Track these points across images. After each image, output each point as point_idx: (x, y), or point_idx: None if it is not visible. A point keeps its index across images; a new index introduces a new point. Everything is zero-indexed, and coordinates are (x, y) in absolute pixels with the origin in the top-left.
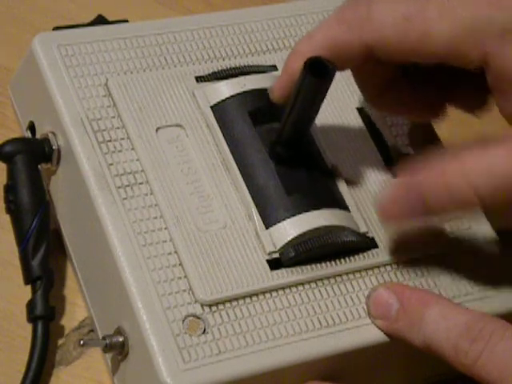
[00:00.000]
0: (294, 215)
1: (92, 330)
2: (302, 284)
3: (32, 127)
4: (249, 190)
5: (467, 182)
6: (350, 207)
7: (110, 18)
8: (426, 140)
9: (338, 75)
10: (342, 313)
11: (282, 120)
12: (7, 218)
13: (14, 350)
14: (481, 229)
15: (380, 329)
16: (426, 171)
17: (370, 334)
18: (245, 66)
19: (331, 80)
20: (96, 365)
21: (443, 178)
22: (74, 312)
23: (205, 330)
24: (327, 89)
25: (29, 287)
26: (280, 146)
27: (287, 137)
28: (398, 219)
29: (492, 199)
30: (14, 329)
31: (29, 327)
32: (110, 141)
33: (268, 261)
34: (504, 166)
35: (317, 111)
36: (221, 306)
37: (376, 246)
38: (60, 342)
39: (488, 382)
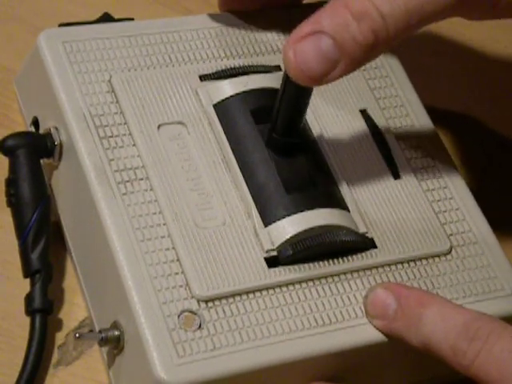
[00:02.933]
0: (292, 214)
1: (92, 331)
2: (300, 282)
3: (36, 122)
4: (249, 187)
5: (372, 5)
6: (349, 207)
7: None
8: (428, 143)
9: (343, 79)
10: (338, 312)
11: (274, 105)
12: (7, 218)
13: (14, 350)
14: (480, 230)
15: (378, 329)
16: (329, 11)
17: (366, 333)
18: (248, 66)
19: None
20: (96, 365)
21: (347, 9)
22: (74, 312)
23: (200, 325)
24: None
25: (29, 288)
26: (275, 132)
27: (281, 123)
28: (318, 76)
29: (396, 22)
30: (14, 329)
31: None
32: (111, 136)
33: (266, 258)
34: None
35: (308, 96)
36: (217, 302)
37: (375, 247)
38: (60, 342)
39: (486, 383)
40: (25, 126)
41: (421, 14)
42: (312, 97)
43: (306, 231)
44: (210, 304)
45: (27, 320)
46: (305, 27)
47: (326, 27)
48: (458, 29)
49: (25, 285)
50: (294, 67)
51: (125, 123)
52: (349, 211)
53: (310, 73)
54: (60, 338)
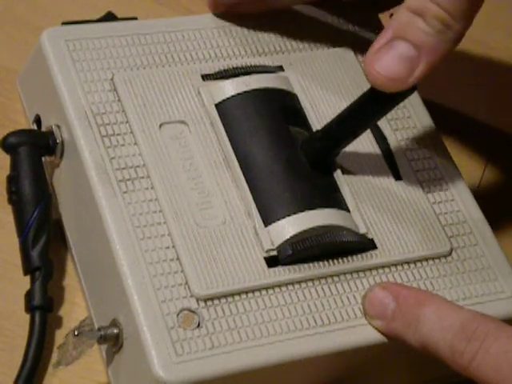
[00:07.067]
0: (293, 213)
1: (92, 330)
2: (299, 282)
3: (38, 120)
4: (249, 187)
5: None
6: (350, 208)
7: None
8: (429, 144)
9: (345, 81)
10: (338, 312)
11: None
12: (7, 218)
13: (14, 350)
14: (481, 232)
15: (376, 329)
16: (393, 20)
17: (366, 333)
18: (251, 66)
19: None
20: (96, 365)
21: (407, 9)
22: (74, 311)
23: (199, 324)
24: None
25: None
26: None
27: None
28: (404, 78)
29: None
30: (14, 329)
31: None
32: (113, 135)
33: (265, 258)
34: None
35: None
36: (216, 301)
37: (375, 247)
38: (59, 341)
39: (484, 383)
40: (26, 126)
41: None
42: (312, 97)
43: (306, 231)
44: (209, 303)
45: (27, 320)
46: (378, 40)
47: (395, 33)
48: None
49: (25, 285)
50: (380, 78)
51: (126, 122)
52: (349, 211)
53: (395, 76)
54: (60, 336)
